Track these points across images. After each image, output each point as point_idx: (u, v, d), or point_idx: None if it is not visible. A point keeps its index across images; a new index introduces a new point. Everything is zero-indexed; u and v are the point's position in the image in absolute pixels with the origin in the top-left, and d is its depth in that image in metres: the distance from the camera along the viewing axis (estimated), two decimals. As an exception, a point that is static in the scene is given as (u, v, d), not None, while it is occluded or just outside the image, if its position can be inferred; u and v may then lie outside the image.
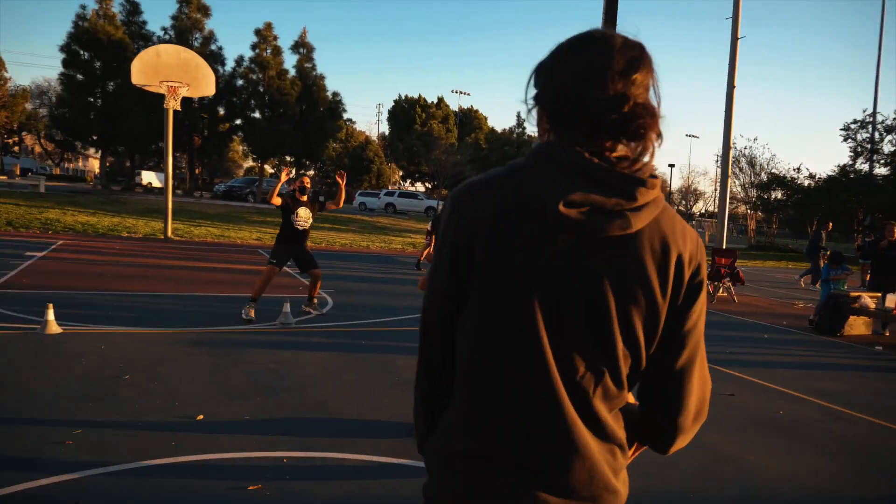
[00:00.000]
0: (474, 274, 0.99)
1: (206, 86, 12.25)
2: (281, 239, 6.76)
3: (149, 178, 43.00)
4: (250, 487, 2.80)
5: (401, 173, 61.97)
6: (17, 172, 59.45)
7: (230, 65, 35.85)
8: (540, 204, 0.94)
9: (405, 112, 57.60)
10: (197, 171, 66.70)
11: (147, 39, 35.03)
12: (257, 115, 35.96)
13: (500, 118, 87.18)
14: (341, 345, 5.65)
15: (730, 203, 43.28)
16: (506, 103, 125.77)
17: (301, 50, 36.84)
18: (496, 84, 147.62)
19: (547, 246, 0.95)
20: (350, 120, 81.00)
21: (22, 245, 10.67)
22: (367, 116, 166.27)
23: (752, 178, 37.92)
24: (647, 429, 1.09)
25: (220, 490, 2.76)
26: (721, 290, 11.32)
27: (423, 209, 40.39)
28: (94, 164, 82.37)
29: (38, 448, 3.03)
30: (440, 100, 59.16)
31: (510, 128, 54.58)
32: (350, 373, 4.82)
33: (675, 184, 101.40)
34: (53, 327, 5.20)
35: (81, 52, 31.93)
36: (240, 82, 35.56)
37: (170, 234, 13.45)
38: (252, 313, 6.33)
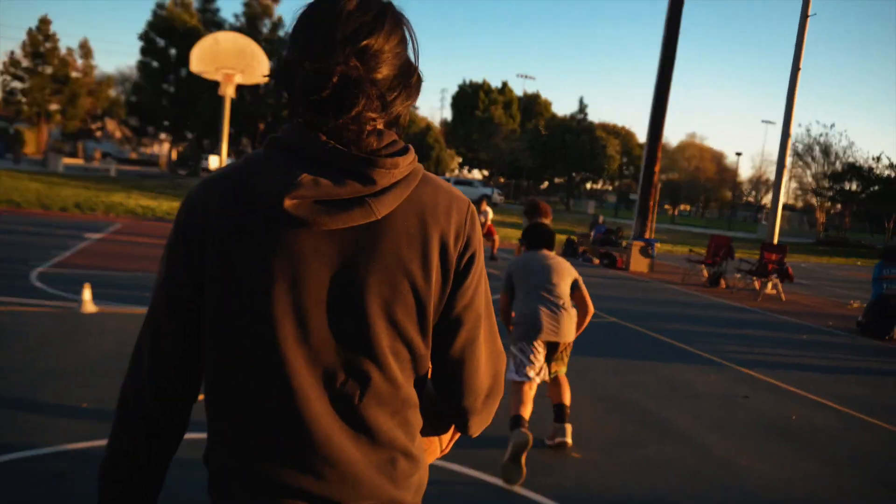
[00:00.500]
0: (206, 278, 0.89)
1: (260, 73, 12.63)
2: None
3: (216, 162, 44.94)
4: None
5: (459, 160, 61.95)
6: (98, 156, 63.32)
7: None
8: (266, 198, 0.84)
9: (469, 98, 57.38)
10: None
11: (220, 26, 36.35)
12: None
13: (563, 103, 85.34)
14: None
15: (800, 194, 40.99)
16: (569, 88, 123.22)
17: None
18: (561, 68, 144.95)
19: (280, 244, 0.86)
20: (413, 105, 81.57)
21: (84, 226, 11.43)
22: (432, 102, 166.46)
23: (826, 168, 35.81)
24: (443, 413, 1.05)
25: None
26: (769, 287, 10.85)
27: (479, 196, 40.36)
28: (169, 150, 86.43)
29: (42, 419, 3.32)
30: (504, 85, 58.65)
31: (572, 113, 53.47)
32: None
33: (746, 173, 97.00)
34: (89, 306, 5.59)
35: (158, 40, 33.55)
36: (305, 67, 36.45)
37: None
38: None
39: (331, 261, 0.87)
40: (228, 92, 12.14)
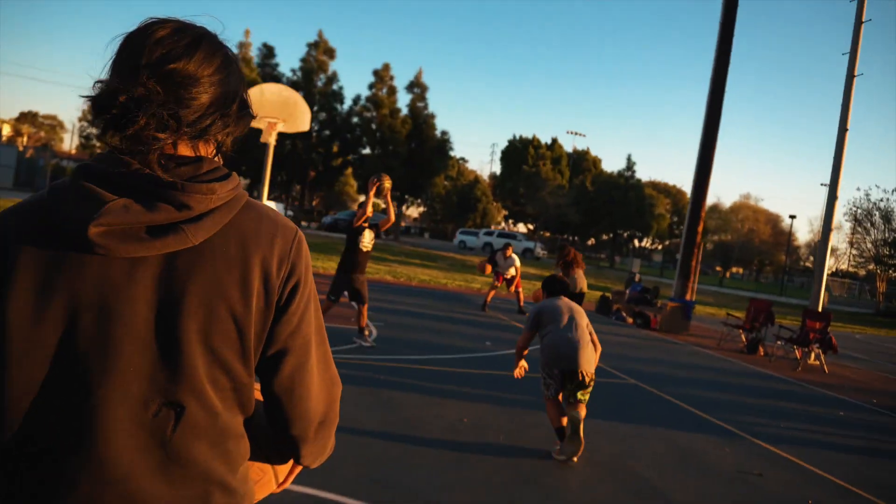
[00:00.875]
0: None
1: (302, 122, 13.13)
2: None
3: (271, 207, 46.47)
4: None
5: (505, 213, 62.20)
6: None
7: (348, 103, 38.25)
8: (72, 225, 0.83)
9: (518, 152, 58.03)
10: (314, 203, 70.86)
11: (278, 80, 38.15)
12: (368, 151, 37.88)
13: (613, 160, 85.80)
14: (358, 377, 5.71)
15: (861, 261, 39.10)
16: (620, 146, 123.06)
17: (415, 89, 38.57)
18: (612, 125, 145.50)
19: (87, 273, 0.84)
20: (462, 159, 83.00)
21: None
22: (482, 155, 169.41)
23: (887, 235, 34.19)
24: (274, 443, 1.03)
25: None
26: (811, 357, 10.22)
27: (521, 251, 40.24)
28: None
29: None
30: (554, 141, 59.26)
31: (619, 170, 53.23)
32: (347, 405, 4.86)
33: (804, 237, 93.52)
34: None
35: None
36: (355, 119, 37.74)
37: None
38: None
39: (146, 288, 0.86)
40: (270, 139, 12.63)
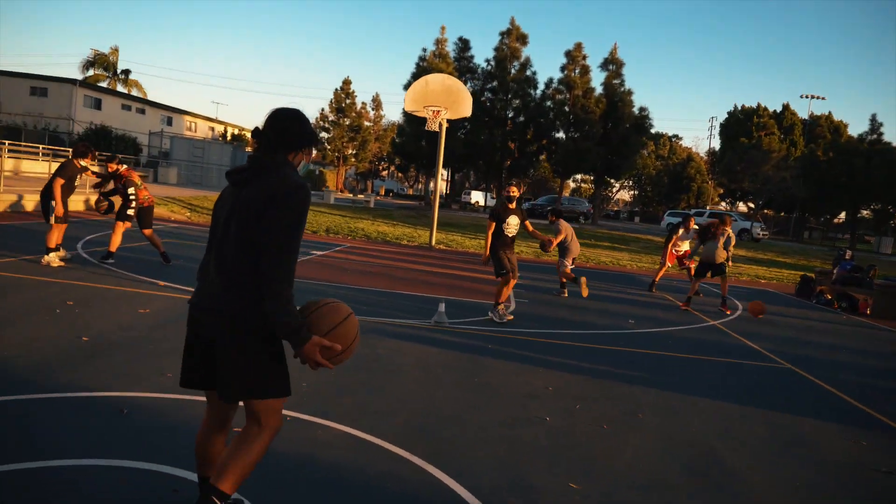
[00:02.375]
0: None
1: (464, 109, 13.67)
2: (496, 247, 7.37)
3: (477, 197, 48.46)
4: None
5: (720, 191, 56.84)
6: (382, 193, 73.34)
7: (542, 88, 38.19)
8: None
9: (740, 124, 52.68)
10: (521, 190, 71.86)
11: (473, 71, 39.58)
12: (562, 134, 37.44)
13: (858, 124, 72.35)
14: (465, 345, 5.96)
15: None
16: (862, 106, 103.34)
17: (610, 67, 37.12)
18: (858, 84, 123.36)
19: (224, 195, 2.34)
20: (675, 136, 77.65)
21: (317, 246, 13.52)
22: (698, 131, 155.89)
23: None
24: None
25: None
26: None
27: (736, 232, 36.49)
28: (443, 185, 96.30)
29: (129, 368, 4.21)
30: (785, 108, 52.68)
31: (861, 134, 45.19)
32: (421, 370, 5.14)
33: None
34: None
35: (420, 89, 37.95)
36: (548, 104, 37.55)
37: (433, 243, 15.31)
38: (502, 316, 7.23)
39: (228, 202, 2.29)
40: (435, 126, 13.36)
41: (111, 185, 8.71)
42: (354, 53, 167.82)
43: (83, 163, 7.97)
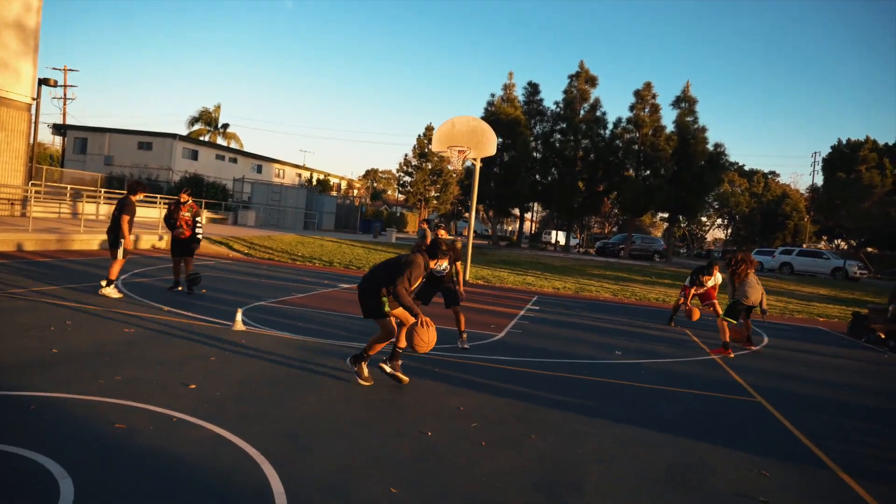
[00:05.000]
0: None
1: (489, 148, 13.96)
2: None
3: (557, 237, 48.29)
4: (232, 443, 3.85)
5: (815, 228, 53.15)
6: (465, 233, 74.42)
7: (610, 128, 37.89)
8: None
9: (846, 159, 49.32)
10: (606, 230, 70.57)
11: (542, 114, 39.97)
12: (631, 173, 36.77)
13: None
14: (410, 368, 6.11)
15: None
16: None
17: (682, 104, 36.32)
18: None
19: None
20: (772, 173, 73.81)
21: (348, 279, 14.08)
22: (798, 167, 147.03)
23: None
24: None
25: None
26: None
27: (829, 270, 33.91)
28: (526, 226, 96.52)
29: (158, 392, 4.72)
30: (899, 140, 48.92)
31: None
32: (342, 386, 5.34)
33: None
34: (239, 325, 7.25)
35: (489, 132, 38.73)
36: (617, 143, 37.13)
37: (467, 277, 15.52)
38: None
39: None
40: (459, 165, 13.74)
41: (180, 217, 9.56)
42: (436, 99, 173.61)
43: (138, 197, 8.94)
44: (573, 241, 49.80)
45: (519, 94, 39.59)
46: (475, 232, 78.54)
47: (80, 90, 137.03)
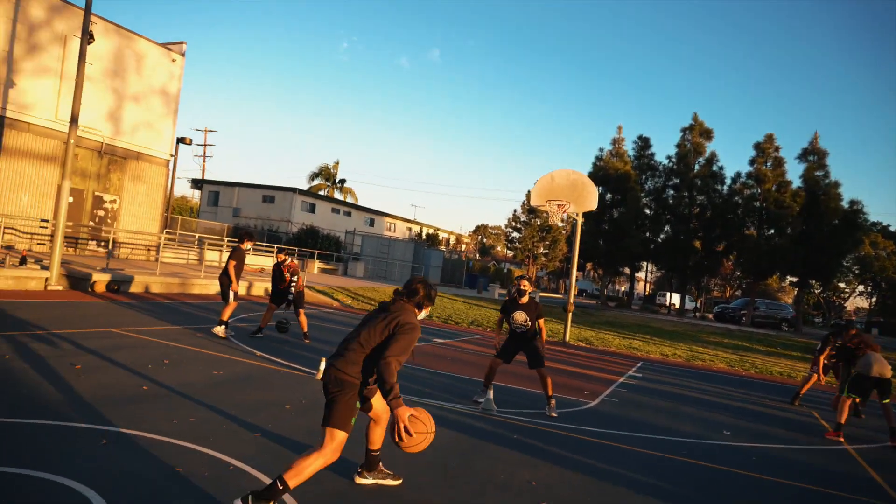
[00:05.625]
0: None
1: (589, 202, 13.48)
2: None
3: (673, 299, 45.93)
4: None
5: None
6: (575, 293, 72.87)
7: (728, 183, 35.88)
8: None
9: None
10: (728, 294, 66.24)
11: (654, 169, 38.71)
12: (752, 232, 34.33)
13: None
14: (486, 432, 5.75)
15: None
16: None
17: (810, 158, 33.77)
18: None
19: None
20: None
21: (443, 333, 13.91)
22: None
23: None
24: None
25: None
26: None
27: None
28: (640, 286, 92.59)
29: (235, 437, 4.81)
30: None
31: None
32: (468, 461, 5.05)
33: None
34: (321, 374, 7.25)
35: (597, 187, 37.97)
36: (736, 199, 34.99)
37: (567, 339, 14.85)
38: (485, 398, 6.81)
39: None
40: (558, 220, 13.38)
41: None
42: (545, 153, 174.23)
43: (247, 246, 9.46)
44: (690, 305, 46.90)
45: (629, 148, 38.70)
46: (585, 291, 76.72)
47: (217, 148, 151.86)
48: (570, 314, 15.22)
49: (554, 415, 6.76)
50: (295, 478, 3.21)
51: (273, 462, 4.19)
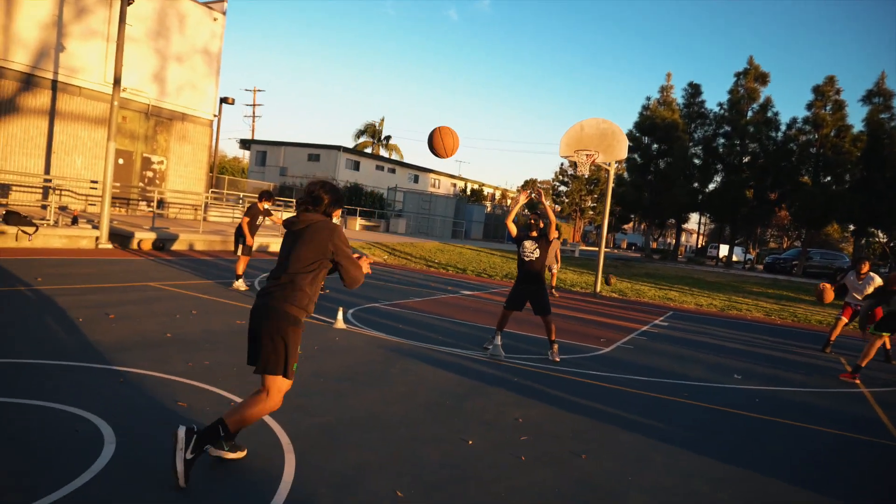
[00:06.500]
0: None
1: (619, 152, 13.19)
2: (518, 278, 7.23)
3: (724, 251, 44.72)
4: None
5: None
6: (624, 246, 71.77)
7: (783, 130, 34.24)
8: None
9: None
10: (785, 245, 63.85)
11: (704, 117, 37.26)
12: (807, 179, 32.83)
13: None
14: (488, 375, 5.96)
15: None
16: None
17: (875, 100, 31.76)
18: None
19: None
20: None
21: (470, 286, 14.11)
22: None
23: None
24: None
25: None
26: None
27: None
28: (693, 239, 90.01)
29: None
30: None
31: None
32: (405, 385, 5.31)
33: None
34: (340, 324, 7.60)
35: (642, 137, 36.84)
36: (791, 146, 33.41)
37: (598, 289, 14.82)
38: (493, 344, 6.94)
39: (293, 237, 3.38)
40: (586, 170, 13.21)
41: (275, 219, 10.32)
42: (593, 104, 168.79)
43: (265, 205, 9.85)
44: (746, 257, 45.51)
45: (678, 96, 37.26)
46: (634, 245, 75.24)
47: (266, 108, 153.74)
48: (601, 265, 15.10)
49: (557, 359, 6.90)
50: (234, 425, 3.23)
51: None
